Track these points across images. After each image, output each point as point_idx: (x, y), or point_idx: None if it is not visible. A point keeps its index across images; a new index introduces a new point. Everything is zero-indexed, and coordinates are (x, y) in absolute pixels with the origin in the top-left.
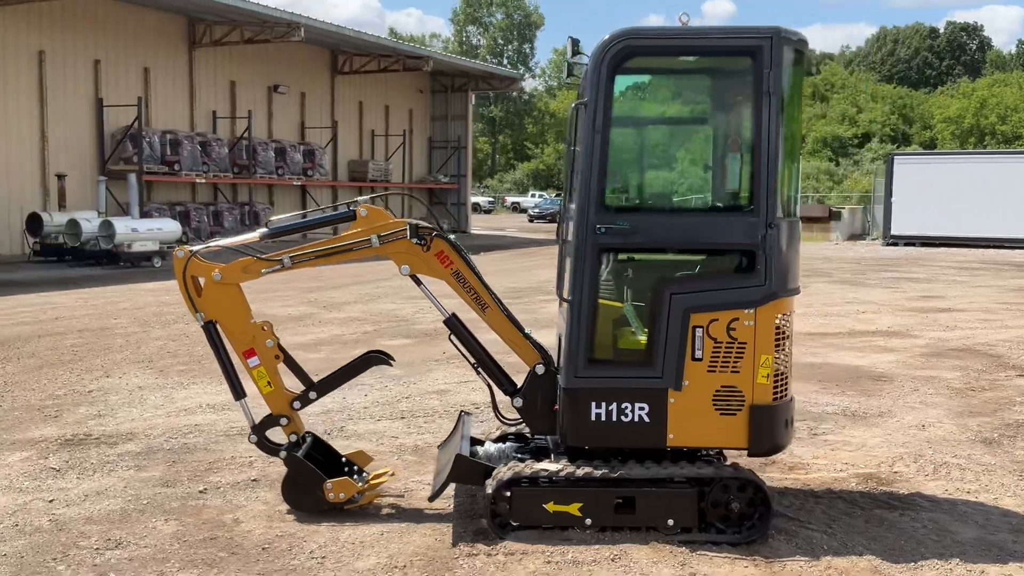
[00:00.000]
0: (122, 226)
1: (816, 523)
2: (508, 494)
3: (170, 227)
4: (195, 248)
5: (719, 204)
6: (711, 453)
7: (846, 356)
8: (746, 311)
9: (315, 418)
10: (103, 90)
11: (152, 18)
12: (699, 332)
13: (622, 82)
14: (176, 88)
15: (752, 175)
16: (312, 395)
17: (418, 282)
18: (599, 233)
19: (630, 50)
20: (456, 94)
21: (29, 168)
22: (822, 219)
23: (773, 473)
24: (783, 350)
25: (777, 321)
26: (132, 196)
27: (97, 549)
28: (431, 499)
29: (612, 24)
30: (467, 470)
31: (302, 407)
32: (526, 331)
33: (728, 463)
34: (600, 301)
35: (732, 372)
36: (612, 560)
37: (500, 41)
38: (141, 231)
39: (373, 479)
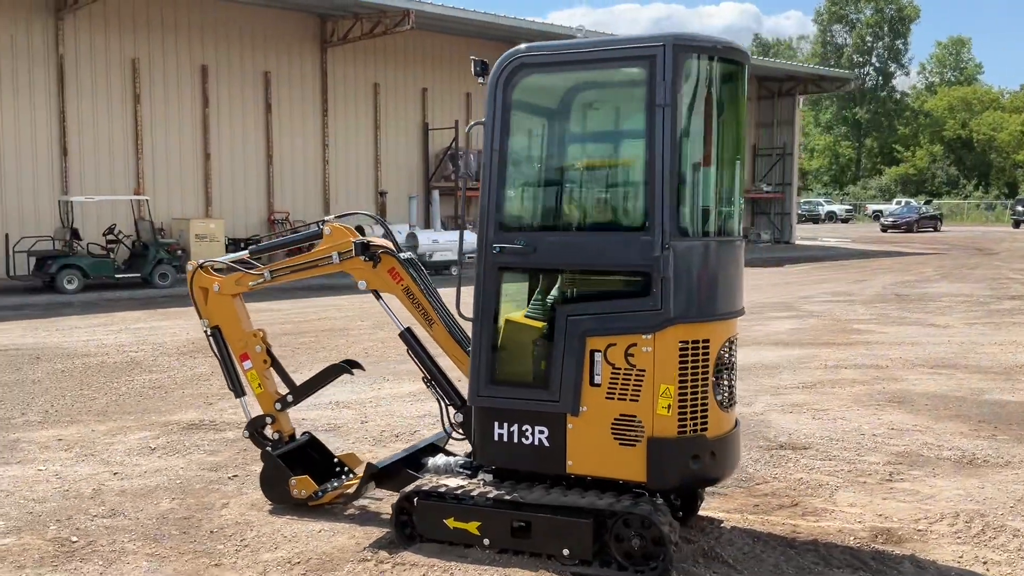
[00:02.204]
0: (425, 237)
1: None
2: (412, 506)
3: (469, 239)
4: (201, 262)
5: (615, 223)
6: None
7: None
8: (644, 336)
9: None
10: (429, 115)
11: (475, 47)
12: (597, 357)
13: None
14: None
15: (646, 193)
16: (290, 399)
17: (378, 296)
18: (495, 252)
19: (523, 68)
20: (783, 99)
21: (364, 187)
22: None
23: (777, 516)
24: (697, 380)
25: (683, 348)
26: (434, 210)
27: (94, 517)
28: (353, 499)
29: None
30: (385, 477)
31: (283, 409)
32: (467, 348)
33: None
34: (513, 319)
35: (631, 400)
36: None
37: (868, 39)
38: (441, 242)
39: (348, 484)
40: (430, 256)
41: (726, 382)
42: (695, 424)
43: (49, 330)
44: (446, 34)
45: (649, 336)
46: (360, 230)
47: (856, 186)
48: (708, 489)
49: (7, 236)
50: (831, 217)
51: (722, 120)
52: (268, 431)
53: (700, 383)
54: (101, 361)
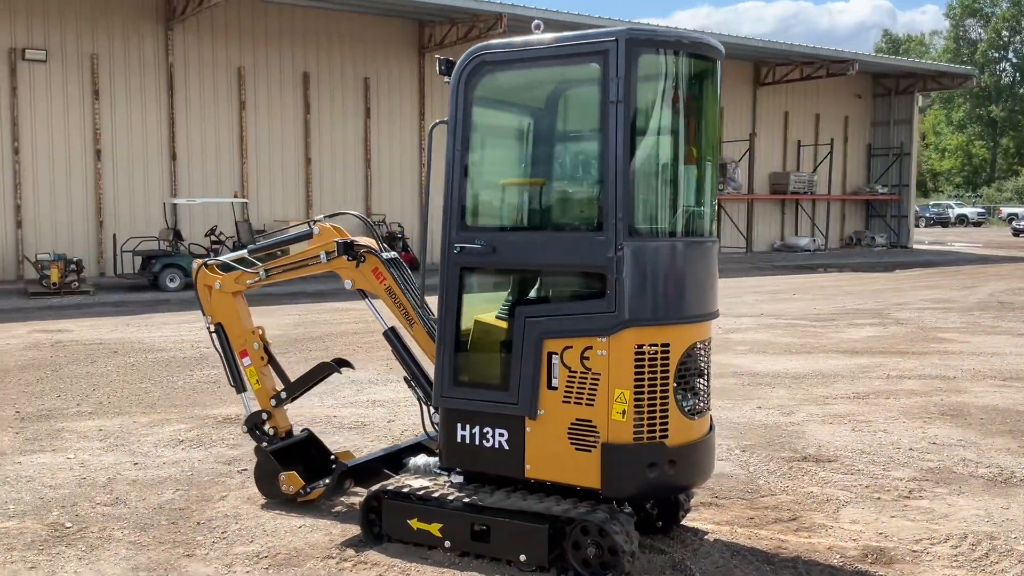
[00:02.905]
0: None
1: None
2: (380, 505)
3: None
4: (206, 260)
5: (572, 223)
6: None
7: None
8: (599, 339)
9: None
10: None
11: None
12: (554, 359)
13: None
14: None
15: (601, 192)
16: (283, 395)
17: (364, 295)
18: (456, 252)
19: (483, 66)
20: (901, 96)
21: None
22: None
23: (768, 530)
24: (655, 385)
25: (640, 352)
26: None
27: (98, 504)
28: (327, 497)
29: None
30: (360, 475)
31: (278, 405)
32: None
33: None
34: (480, 320)
35: (587, 405)
36: None
37: (1004, 34)
38: None
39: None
40: None
41: (693, 388)
42: (653, 431)
43: (139, 326)
44: None
45: (604, 339)
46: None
47: (990, 188)
48: (705, 499)
49: (114, 236)
50: (962, 220)
51: (688, 117)
52: (267, 427)
53: (659, 389)
54: (172, 356)
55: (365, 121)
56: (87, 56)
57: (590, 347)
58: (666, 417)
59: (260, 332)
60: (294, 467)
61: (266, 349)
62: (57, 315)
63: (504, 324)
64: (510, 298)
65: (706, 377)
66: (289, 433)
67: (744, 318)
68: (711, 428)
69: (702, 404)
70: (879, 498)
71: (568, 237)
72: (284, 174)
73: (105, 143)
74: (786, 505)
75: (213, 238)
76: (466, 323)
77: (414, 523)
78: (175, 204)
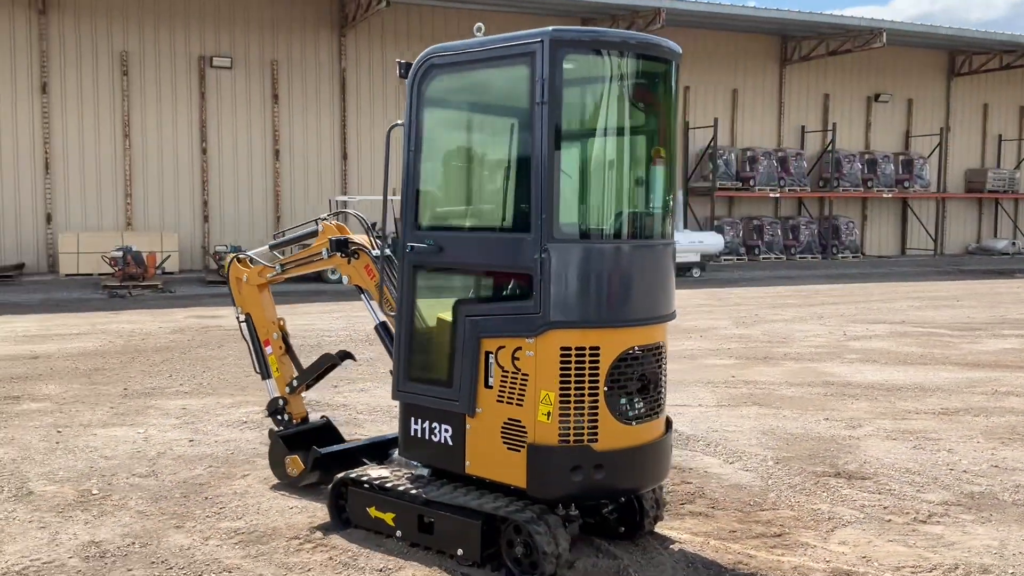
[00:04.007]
0: None
1: None
2: (345, 492)
3: (712, 240)
4: (238, 255)
5: (507, 225)
6: None
7: None
8: (527, 340)
9: None
10: (690, 113)
11: (743, 41)
12: (490, 358)
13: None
14: (764, 106)
15: (528, 194)
16: (295, 383)
17: (361, 291)
18: (408, 251)
19: (432, 69)
20: None
21: None
22: None
23: (741, 545)
24: (583, 388)
25: (565, 355)
26: (677, 210)
27: (133, 475)
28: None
29: None
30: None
31: (292, 392)
32: None
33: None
34: (430, 318)
35: (517, 405)
36: (377, 572)
37: None
38: (683, 243)
39: None
40: None
41: (632, 393)
42: (580, 434)
43: (285, 314)
44: (709, 30)
45: (531, 340)
46: None
47: None
48: (700, 508)
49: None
50: None
51: (625, 118)
52: (285, 413)
53: (587, 392)
54: (295, 344)
55: None
56: (268, 62)
57: (520, 348)
58: (595, 421)
59: (281, 323)
60: (306, 451)
61: (285, 339)
62: (220, 302)
63: (448, 323)
64: (454, 297)
65: (655, 382)
66: (305, 419)
67: (880, 325)
68: (667, 432)
69: (648, 409)
70: (889, 520)
71: (502, 239)
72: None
73: (283, 143)
74: (782, 521)
75: (375, 233)
76: (418, 321)
77: (372, 511)
78: (338, 201)
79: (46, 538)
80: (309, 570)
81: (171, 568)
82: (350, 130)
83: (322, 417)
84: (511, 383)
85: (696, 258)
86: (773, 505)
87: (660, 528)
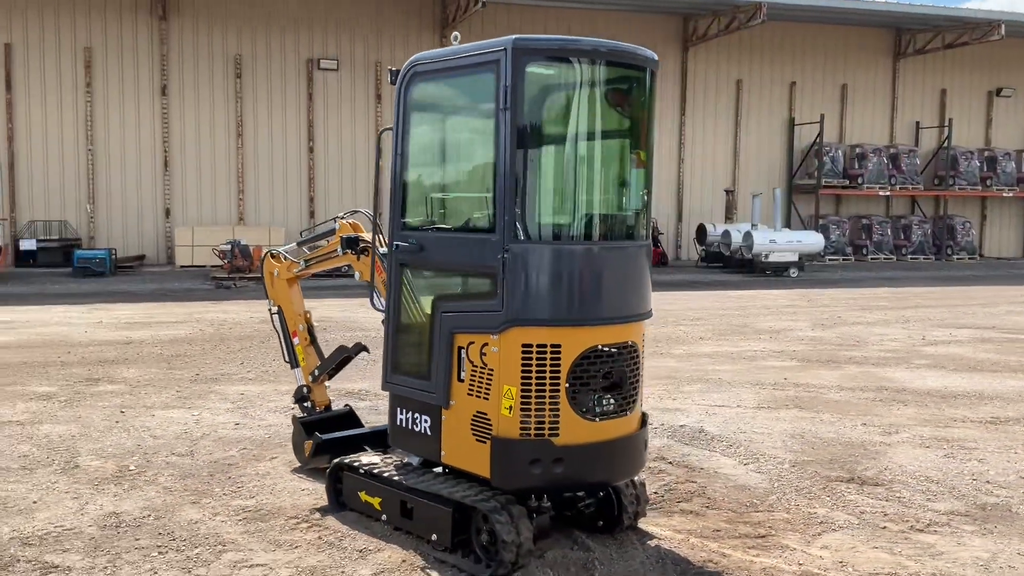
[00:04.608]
0: (761, 237)
1: None
2: (340, 477)
3: (812, 239)
4: (271, 250)
5: (476, 225)
6: None
7: None
8: (492, 336)
9: None
10: (796, 110)
11: (853, 35)
12: (462, 353)
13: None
14: (875, 101)
15: (494, 196)
16: (316, 373)
17: (371, 286)
18: (394, 249)
19: (416, 76)
20: None
21: (721, 184)
22: None
23: (720, 544)
24: (544, 384)
25: (526, 351)
26: (776, 208)
27: (172, 454)
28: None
29: None
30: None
31: (314, 381)
32: None
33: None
34: (413, 313)
35: (483, 398)
36: (358, 552)
37: None
38: (779, 243)
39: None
40: (766, 256)
41: (595, 390)
42: (541, 428)
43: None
44: (814, 23)
45: (496, 337)
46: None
47: None
48: (694, 506)
49: None
50: None
51: (591, 123)
52: (309, 401)
53: (548, 388)
54: (368, 336)
55: None
56: (372, 64)
57: (487, 343)
58: (556, 416)
59: (308, 316)
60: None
61: (310, 331)
62: (316, 295)
63: (428, 319)
64: (433, 294)
65: (625, 380)
66: (328, 407)
67: (965, 330)
68: (642, 427)
69: (617, 406)
70: (884, 528)
71: (472, 238)
72: None
73: (387, 142)
74: (772, 523)
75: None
76: (403, 316)
77: (363, 495)
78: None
79: (75, 508)
80: (296, 547)
81: (174, 539)
82: None
83: (345, 406)
84: (479, 378)
85: (794, 258)
86: (770, 507)
87: (644, 524)
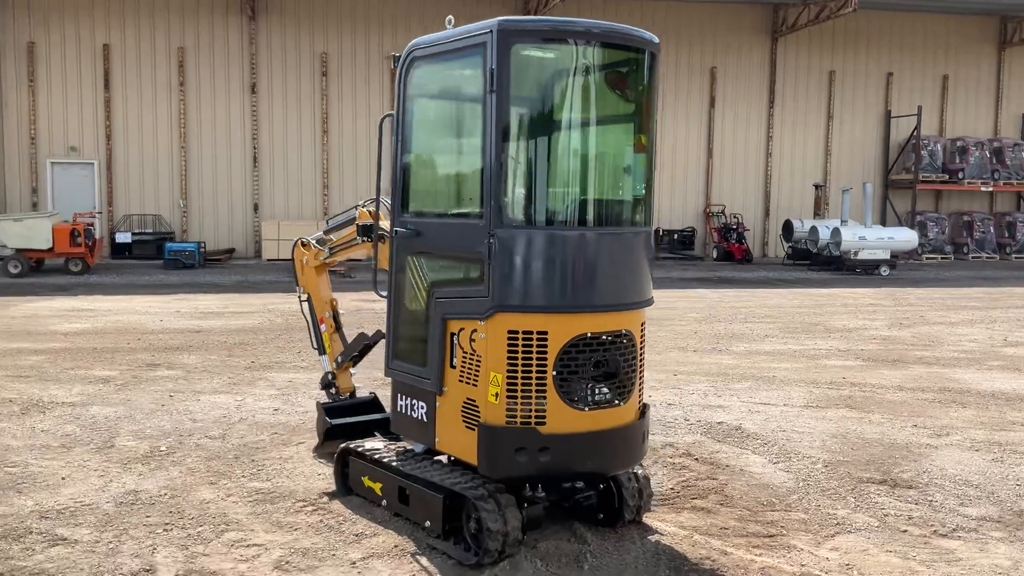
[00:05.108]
0: (850, 234)
1: None
2: (347, 461)
3: (904, 236)
4: (301, 239)
5: (468, 211)
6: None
7: None
8: (480, 323)
9: None
10: (892, 102)
11: (953, 24)
12: (454, 339)
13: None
14: (978, 93)
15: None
16: (339, 359)
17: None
18: (395, 236)
19: (415, 61)
20: None
21: (811, 179)
22: None
23: (724, 542)
24: (530, 371)
25: (512, 338)
26: (867, 204)
27: (205, 437)
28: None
29: None
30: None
31: (339, 367)
32: None
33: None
34: (412, 299)
35: (473, 385)
36: (355, 536)
37: None
38: (869, 239)
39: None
40: (855, 254)
41: (585, 379)
42: (527, 416)
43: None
44: (911, 12)
45: (483, 323)
46: None
47: None
48: (708, 504)
49: None
50: None
51: (592, 107)
52: (334, 387)
53: (535, 375)
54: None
55: (709, 111)
56: None
57: (475, 330)
58: (543, 404)
59: (334, 303)
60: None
61: (335, 318)
62: (337, 287)
63: (424, 305)
64: (429, 280)
65: (619, 369)
66: (352, 393)
67: None
68: (641, 418)
69: (610, 395)
70: (905, 531)
71: (463, 224)
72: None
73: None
74: (785, 523)
75: None
76: (403, 302)
77: (366, 480)
78: None
79: (99, 485)
80: (296, 529)
81: (183, 517)
82: None
83: (370, 393)
84: (469, 364)
85: (885, 255)
86: (788, 507)
87: (651, 519)
